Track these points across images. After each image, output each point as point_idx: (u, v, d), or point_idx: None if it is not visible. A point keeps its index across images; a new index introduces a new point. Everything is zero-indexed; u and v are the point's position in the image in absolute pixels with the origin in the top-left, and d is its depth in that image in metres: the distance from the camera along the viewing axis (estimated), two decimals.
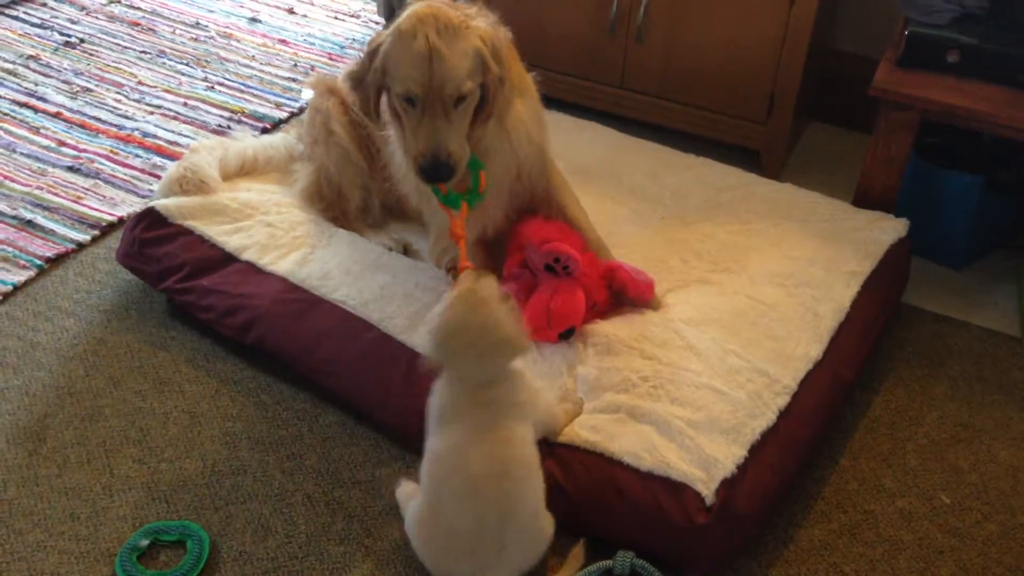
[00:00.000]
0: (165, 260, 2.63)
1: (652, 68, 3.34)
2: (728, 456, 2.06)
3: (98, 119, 3.53)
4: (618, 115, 3.47)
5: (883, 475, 2.33)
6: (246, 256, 2.59)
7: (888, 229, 2.73)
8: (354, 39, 4.19)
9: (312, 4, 4.46)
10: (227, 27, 4.23)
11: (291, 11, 4.39)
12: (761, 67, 3.15)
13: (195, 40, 4.12)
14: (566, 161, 2.83)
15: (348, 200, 2.77)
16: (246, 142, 3.01)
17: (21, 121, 3.51)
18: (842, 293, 2.52)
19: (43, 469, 2.26)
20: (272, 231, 2.66)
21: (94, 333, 2.63)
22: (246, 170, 2.95)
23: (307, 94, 2.92)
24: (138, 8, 4.35)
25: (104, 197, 3.14)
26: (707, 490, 2.01)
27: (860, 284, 2.55)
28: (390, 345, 2.34)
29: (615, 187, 2.95)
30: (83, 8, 4.32)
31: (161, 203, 2.69)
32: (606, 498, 2.06)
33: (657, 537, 2.03)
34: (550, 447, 2.10)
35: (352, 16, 4.39)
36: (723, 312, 2.43)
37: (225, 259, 2.60)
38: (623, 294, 2.46)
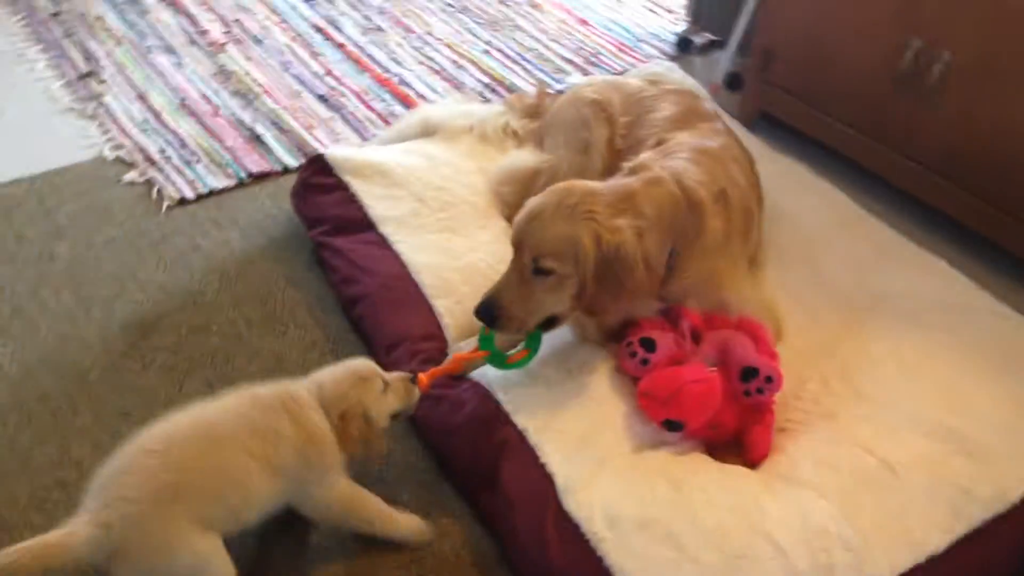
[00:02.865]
0: (319, 209, 2.70)
1: (940, 137, 2.81)
2: None
3: (372, 58, 3.68)
4: (888, 182, 2.99)
5: None
6: (382, 228, 2.57)
7: None
8: (656, 35, 3.97)
9: None
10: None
11: None
12: None
13: (501, 3, 4.13)
14: (774, 225, 2.56)
15: None
16: (474, 107, 3.03)
17: (308, 44, 3.74)
18: (1018, 477, 1.97)
19: (130, 362, 2.41)
20: (419, 207, 2.62)
21: (248, 253, 2.77)
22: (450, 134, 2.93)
23: (574, 80, 2.77)
24: None
25: (333, 132, 3.27)
26: None
27: None
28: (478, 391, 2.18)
29: (807, 272, 2.50)
30: None
31: (331, 152, 2.75)
32: None
33: None
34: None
35: (667, 11, 4.16)
36: (835, 471, 1.97)
37: (365, 224, 2.61)
38: (740, 442, 2.09)
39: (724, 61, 3.53)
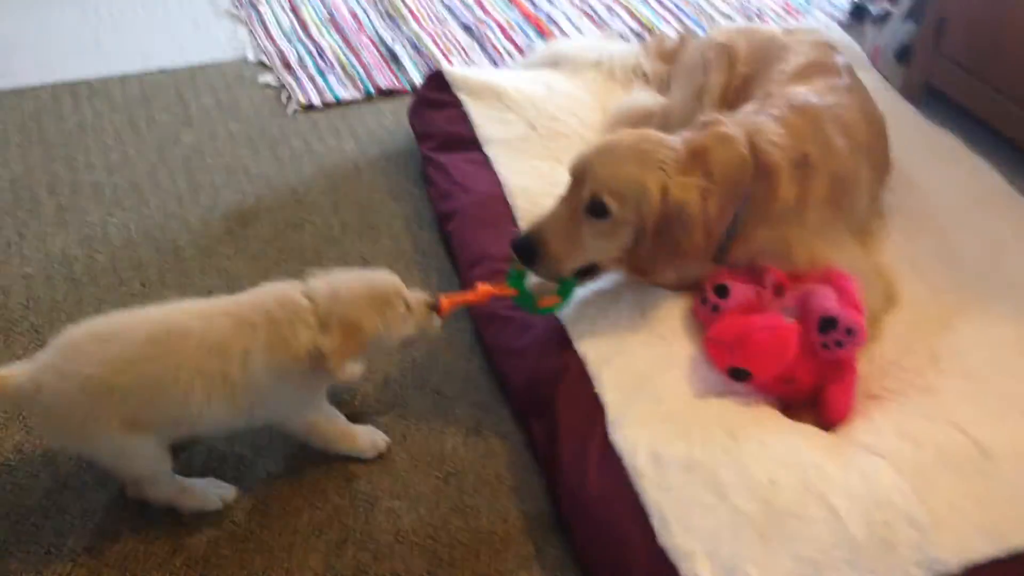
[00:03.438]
0: (431, 124, 2.67)
1: None
2: None
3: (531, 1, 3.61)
4: None
5: None
6: (487, 148, 2.51)
7: None
8: (831, 2, 3.72)
9: None
10: None
11: None
12: None
13: None
14: (908, 195, 2.37)
15: None
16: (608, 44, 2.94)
17: None
18: None
19: (224, 247, 2.45)
20: (529, 133, 2.54)
21: (358, 162, 2.76)
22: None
23: (711, 34, 2.64)
24: None
25: (469, 59, 3.22)
26: None
27: None
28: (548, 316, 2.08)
29: (934, 244, 2.26)
30: None
31: (450, 69, 2.70)
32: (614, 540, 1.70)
33: None
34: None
35: None
36: (918, 446, 1.76)
37: (471, 142, 2.55)
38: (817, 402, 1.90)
39: (895, 30, 3.25)
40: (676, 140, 1.95)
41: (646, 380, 1.87)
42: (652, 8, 3.56)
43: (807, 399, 1.90)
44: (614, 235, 1.90)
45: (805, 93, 2.14)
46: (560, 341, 1.99)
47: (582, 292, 2.03)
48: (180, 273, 2.36)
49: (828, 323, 1.84)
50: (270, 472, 1.92)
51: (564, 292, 1.97)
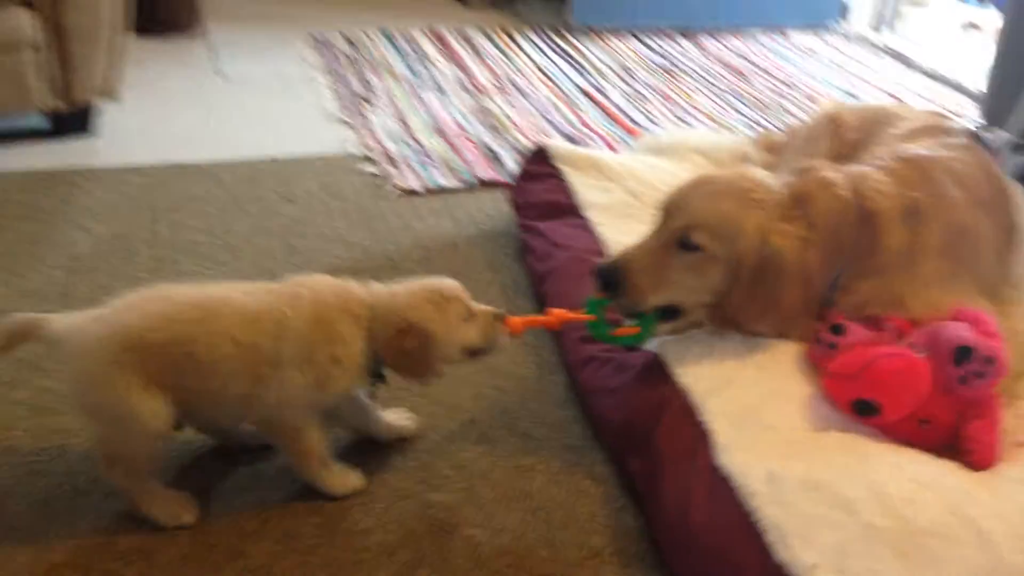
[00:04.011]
0: (530, 195, 2.65)
1: None
2: None
3: (627, 115, 3.67)
4: None
5: None
6: (587, 212, 2.46)
7: None
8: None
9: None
10: (818, 94, 4.04)
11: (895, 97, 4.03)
12: None
13: (776, 92, 4.02)
14: None
15: None
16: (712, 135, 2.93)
17: (570, 102, 3.82)
18: None
19: None
20: (630, 200, 2.48)
21: (455, 238, 2.75)
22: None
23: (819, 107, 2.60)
24: (745, 58, 4.43)
25: None
26: None
27: None
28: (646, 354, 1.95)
29: None
30: (700, 47, 4.53)
31: (553, 143, 2.70)
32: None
33: None
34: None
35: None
36: None
37: (570, 210, 2.50)
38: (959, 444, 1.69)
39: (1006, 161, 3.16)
40: (777, 183, 1.85)
41: (757, 411, 1.69)
42: (754, 132, 3.56)
43: (944, 444, 1.69)
44: (703, 272, 1.78)
45: (915, 147, 2.03)
46: (660, 376, 1.83)
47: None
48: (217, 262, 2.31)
49: (964, 352, 1.65)
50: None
51: (644, 326, 1.84)
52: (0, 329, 1.63)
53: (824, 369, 1.73)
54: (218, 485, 1.79)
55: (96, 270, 2.48)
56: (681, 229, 1.78)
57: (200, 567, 1.60)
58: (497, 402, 2.05)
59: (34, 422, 1.91)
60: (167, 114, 3.50)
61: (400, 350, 1.67)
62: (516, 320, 1.80)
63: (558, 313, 1.88)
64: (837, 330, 1.78)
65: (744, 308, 1.79)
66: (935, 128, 2.18)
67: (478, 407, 2.03)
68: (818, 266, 1.79)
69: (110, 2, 3.10)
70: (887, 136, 2.20)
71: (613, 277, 1.81)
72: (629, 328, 1.86)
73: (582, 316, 1.88)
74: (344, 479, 1.78)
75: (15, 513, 1.70)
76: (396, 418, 1.92)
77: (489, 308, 1.76)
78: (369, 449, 1.88)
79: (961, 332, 1.70)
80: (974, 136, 2.24)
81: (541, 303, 2.35)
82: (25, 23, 2.93)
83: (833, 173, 1.86)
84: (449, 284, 1.74)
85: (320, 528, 1.70)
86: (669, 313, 1.85)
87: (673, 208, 1.82)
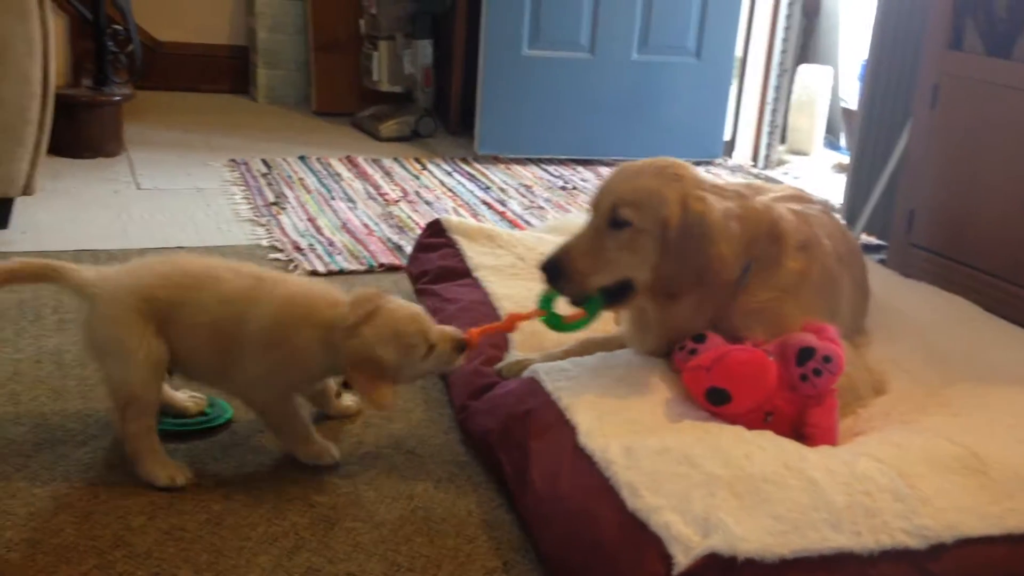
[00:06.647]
0: (426, 264, 2.82)
1: None
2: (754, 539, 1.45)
3: (528, 223, 3.91)
4: None
5: None
6: (477, 273, 2.65)
7: None
8: None
9: None
10: None
11: None
12: None
13: None
14: (889, 318, 2.40)
15: None
16: None
17: (473, 211, 4.05)
18: None
19: None
20: (518, 263, 2.69)
21: None
22: None
23: None
24: None
25: None
26: (683, 555, 1.43)
27: None
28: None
29: (917, 347, 2.27)
30: (596, 173, 4.87)
31: (448, 217, 2.91)
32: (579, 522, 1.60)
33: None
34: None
35: None
36: (903, 450, 1.72)
37: (463, 272, 2.68)
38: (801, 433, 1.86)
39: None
40: (687, 175, 2.00)
41: (619, 410, 1.86)
42: None
43: (789, 434, 1.84)
44: (636, 247, 1.92)
45: (788, 206, 2.27)
46: (533, 391, 1.97)
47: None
48: None
49: (806, 353, 1.85)
50: (226, 492, 1.86)
51: (590, 308, 2.00)
52: (26, 265, 1.90)
53: (684, 368, 1.91)
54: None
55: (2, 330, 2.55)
56: (610, 209, 1.94)
57: (84, 554, 1.64)
58: (384, 428, 2.15)
59: None
60: (82, 214, 3.62)
61: (355, 379, 1.85)
62: (474, 332, 1.97)
63: (511, 316, 2.09)
64: (699, 338, 1.96)
65: (677, 277, 1.92)
66: (798, 197, 2.44)
67: (366, 432, 2.13)
68: (737, 238, 1.94)
69: (38, 105, 3.27)
70: (757, 202, 2.45)
71: (556, 267, 1.95)
72: (577, 312, 2.01)
73: (534, 313, 2.04)
74: (322, 450, 1.95)
75: None
76: (347, 400, 2.17)
77: (450, 335, 1.89)
78: (258, 459, 1.97)
79: (805, 338, 1.90)
80: (830, 207, 2.51)
81: None
82: None
83: (750, 191, 2.09)
84: (410, 326, 1.85)
85: (207, 523, 1.76)
86: (615, 294, 1.98)
87: (600, 195, 1.99)
